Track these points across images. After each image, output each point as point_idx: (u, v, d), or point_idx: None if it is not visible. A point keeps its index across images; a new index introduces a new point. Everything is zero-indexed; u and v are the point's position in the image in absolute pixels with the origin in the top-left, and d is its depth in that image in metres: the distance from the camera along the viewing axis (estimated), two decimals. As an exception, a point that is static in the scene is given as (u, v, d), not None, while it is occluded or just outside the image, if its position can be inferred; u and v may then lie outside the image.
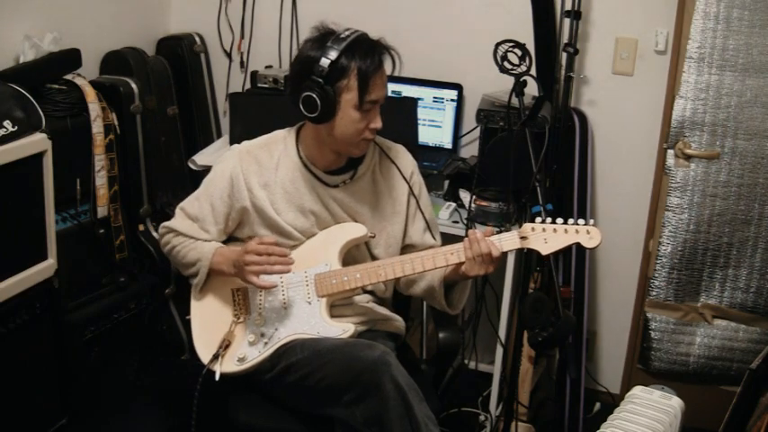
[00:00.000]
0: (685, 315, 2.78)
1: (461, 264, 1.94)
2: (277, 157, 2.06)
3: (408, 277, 2.10)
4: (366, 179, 2.10)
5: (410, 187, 2.13)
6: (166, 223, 2.14)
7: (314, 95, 1.88)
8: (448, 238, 2.52)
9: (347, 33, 1.91)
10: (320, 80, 1.87)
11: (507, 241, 1.91)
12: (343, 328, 1.98)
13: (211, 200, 2.06)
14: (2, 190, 2.13)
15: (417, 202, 2.14)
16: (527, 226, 1.91)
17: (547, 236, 1.89)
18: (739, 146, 2.61)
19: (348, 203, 2.08)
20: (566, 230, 1.89)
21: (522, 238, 1.90)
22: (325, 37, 1.91)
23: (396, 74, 2.03)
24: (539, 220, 1.91)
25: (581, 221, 1.90)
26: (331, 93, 1.88)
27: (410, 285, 2.15)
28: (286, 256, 1.94)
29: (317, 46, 1.90)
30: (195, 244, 2.08)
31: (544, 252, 1.89)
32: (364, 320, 2.10)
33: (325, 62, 1.86)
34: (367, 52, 1.89)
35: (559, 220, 1.90)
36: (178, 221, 2.12)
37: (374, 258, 2.11)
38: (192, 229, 2.09)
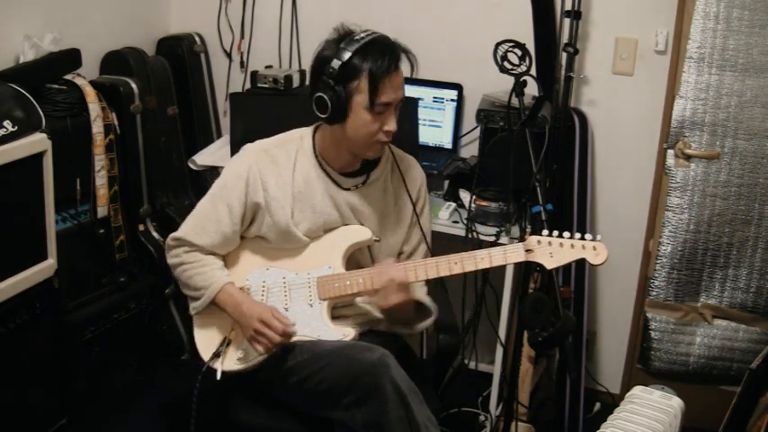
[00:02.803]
0: (685, 315, 2.78)
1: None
2: (294, 156, 2.05)
3: None
4: (378, 186, 2.10)
5: (416, 201, 2.13)
6: (177, 234, 2.05)
7: (325, 96, 1.88)
8: (448, 239, 2.52)
9: (363, 35, 1.88)
10: (331, 81, 1.87)
11: (512, 254, 1.90)
12: (344, 333, 1.97)
13: (228, 200, 2.01)
14: (2, 190, 2.13)
15: (419, 216, 2.14)
16: (533, 239, 1.89)
17: (552, 250, 1.88)
18: (739, 146, 2.61)
19: (358, 207, 2.07)
20: (572, 246, 1.88)
21: (528, 251, 1.89)
22: (341, 38, 1.90)
23: (413, 76, 2.01)
24: (545, 233, 1.90)
25: (588, 237, 1.88)
26: (342, 94, 1.87)
27: None
28: (294, 334, 1.96)
29: (332, 46, 1.89)
30: (205, 268, 2.02)
31: (549, 266, 1.88)
32: (364, 321, 2.10)
33: (336, 63, 1.86)
34: (380, 54, 1.86)
35: (566, 234, 1.89)
36: (191, 232, 2.03)
37: (375, 264, 2.10)
38: (210, 236, 2.01)
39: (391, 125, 1.92)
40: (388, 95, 1.88)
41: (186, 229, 2.04)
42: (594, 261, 1.87)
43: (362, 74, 1.85)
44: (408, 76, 1.97)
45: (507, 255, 1.90)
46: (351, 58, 1.85)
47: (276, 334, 1.91)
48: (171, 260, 2.07)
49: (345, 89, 1.87)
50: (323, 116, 1.92)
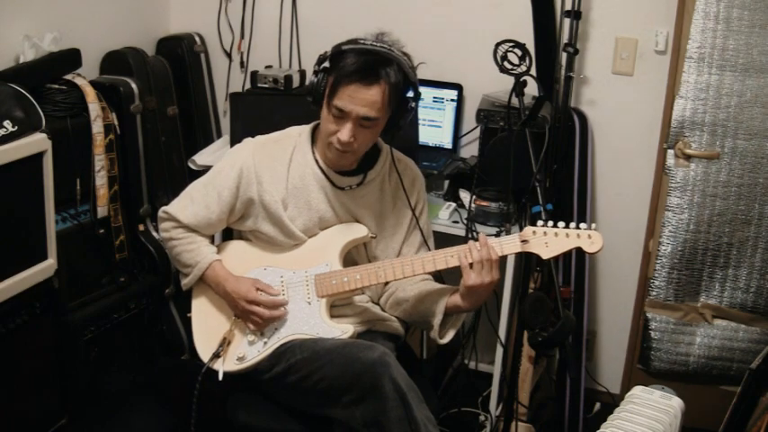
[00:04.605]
0: (685, 315, 2.78)
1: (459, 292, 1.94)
2: (291, 153, 2.06)
3: (398, 299, 2.10)
4: (374, 186, 2.10)
5: (414, 204, 2.13)
6: (168, 209, 2.11)
7: (312, 78, 1.95)
8: (448, 239, 2.52)
9: (369, 41, 1.90)
10: (316, 66, 1.93)
11: (508, 245, 1.90)
12: (342, 330, 1.98)
13: (219, 189, 2.05)
14: (2, 190, 2.13)
15: (417, 219, 2.14)
16: (528, 229, 1.89)
17: (548, 240, 1.88)
18: (739, 146, 2.61)
19: (353, 207, 2.08)
20: (567, 235, 1.87)
21: (523, 241, 1.89)
22: (360, 39, 1.92)
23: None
24: (540, 223, 1.90)
25: (583, 225, 1.88)
26: (321, 82, 1.92)
27: (396, 307, 2.13)
28: (284, 304, 2.01)
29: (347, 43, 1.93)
30: (193, 246, 2.07)
31: (545, 256, 1.88)
32: (363, 320, 2.10)
33: (327, 53, 1.92)
34: (358, 62, 1.85)
35: (561, 224, 1.89)
36: (180, 209, 2.09)
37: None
38: (195, 216, 2.06)
39: (343, 135, 1.90)
40: (343, 102, 1.87)
41: (176, 206, 2.11)
42: (590, 249, 1.86)
43: (335, 71, 1.89)
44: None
45: (503, 246, 1.90)
46: (340, 53, 1.89)
47: (266, 309, 1.97)
48: (162, 233, 2.15)
49: (324, 78, 1.92)
50: (309, 98, 1.97)
